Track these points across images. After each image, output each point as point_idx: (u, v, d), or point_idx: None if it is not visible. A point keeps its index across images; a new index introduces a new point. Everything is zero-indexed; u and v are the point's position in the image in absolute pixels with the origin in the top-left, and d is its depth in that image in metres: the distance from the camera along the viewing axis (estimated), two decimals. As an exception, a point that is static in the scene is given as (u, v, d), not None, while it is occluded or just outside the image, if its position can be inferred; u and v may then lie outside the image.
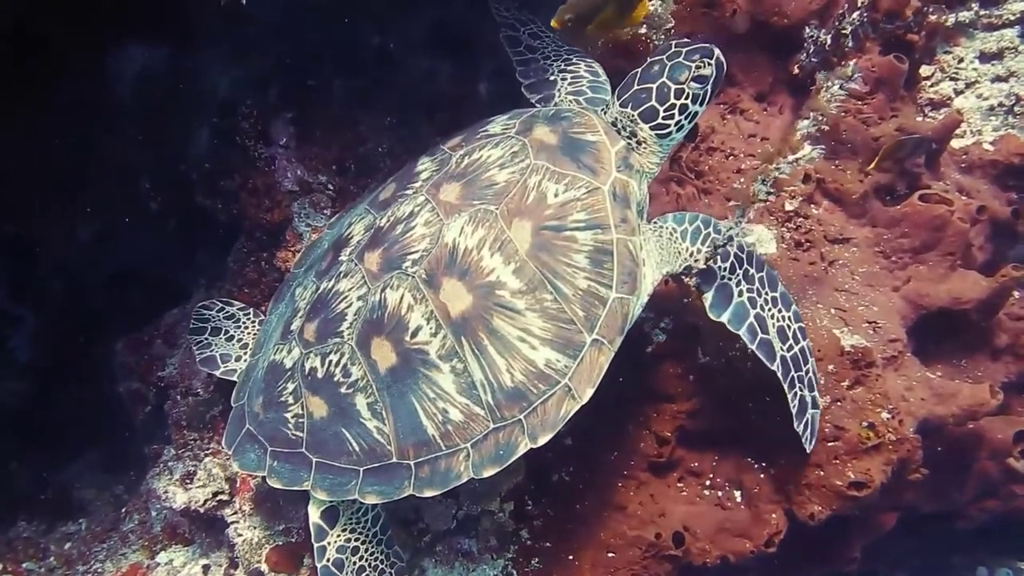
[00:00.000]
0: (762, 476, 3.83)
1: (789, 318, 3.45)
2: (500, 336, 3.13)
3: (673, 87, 3.36)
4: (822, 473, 3.64)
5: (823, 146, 4.01)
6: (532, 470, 3.90)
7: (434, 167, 3.50)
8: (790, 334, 3.43)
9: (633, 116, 3.42)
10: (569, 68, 4.02)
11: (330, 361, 3.37)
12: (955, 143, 4.88)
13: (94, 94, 4.35)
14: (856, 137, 4.26)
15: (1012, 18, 5.32)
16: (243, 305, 4.28)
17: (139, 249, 5.07)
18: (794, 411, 3.44)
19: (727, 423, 3.88)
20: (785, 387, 3.41)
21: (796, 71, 4.22)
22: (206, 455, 4.45)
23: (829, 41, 3.97)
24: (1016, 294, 4.74)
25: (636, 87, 3.43)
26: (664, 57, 3.42)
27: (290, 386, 3.48)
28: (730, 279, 3.36)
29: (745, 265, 3.37)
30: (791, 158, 3.99)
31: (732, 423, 3.87)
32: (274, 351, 3.62)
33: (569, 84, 3.93)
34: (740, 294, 3.37)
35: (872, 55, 4.29)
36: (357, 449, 3.31)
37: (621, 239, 3.20)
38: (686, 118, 3.44)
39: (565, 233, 3.18)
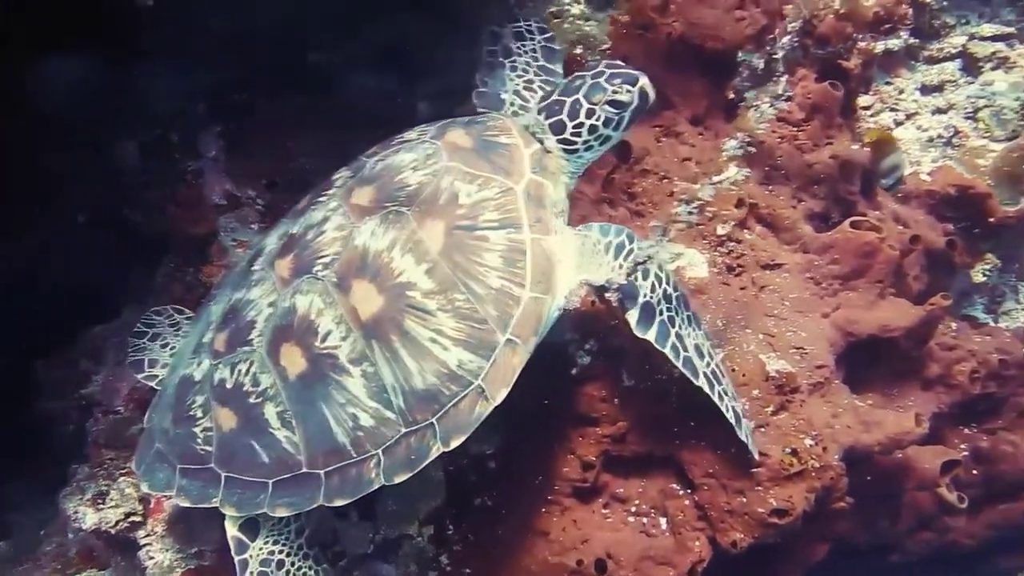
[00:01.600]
0: (686, 503, 3.80)
1: (701, 336, 3.46)
2: (411, 338, 3.10)
3: (585, 106, 3.37)
4: (744, 500, 3.62)
5: (749, 168, 4.04)
6: (453, 493, 3.85)
7: (349, 174, 3.50)
8: (704, 351, 3.44)
9: (544, 125, 3.43)
10: (528, 90, 4.03)
11: (239, 371, 3.32)
12: (893, 173, 4.95)
13: (17, 103, 4.29)
14: (791, 163, 4.32)
15: (953, 51, 5.45)
16: (191, 314, 4.22)
17: (66, 263, 4.99)
18: (733, 421, 3.45)
19: (652, 447, 3.85)
20: (715, 399, 3.42)
21: (731, 96, 4.25)
22: (121, 474, 4.36)
23: (762, 66, 4.01)
24: (954, 325, 4.82)
25: (555, 97, 3.46)
26: (589, 75, 3.44)
27: (199, 399, 3.43)
28: (651, 298, 3.34)
29: (664, 285, 3.36)
30: (715, 179, 4.01)
31: (657, 447, 3.84)
32: (185, 366, 3.57)
33: (519, 106, 3.96)
34: (661, 313, 3.35)
35: (808, 81, 4.35)
36: (267, 461, 3.25)
37: (536, 239, 3.18)
38: (596, 140, 3.44)
39: (478, 232, 3.15)
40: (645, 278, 3.32)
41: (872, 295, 4.11)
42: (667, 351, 3.36)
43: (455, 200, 3.19)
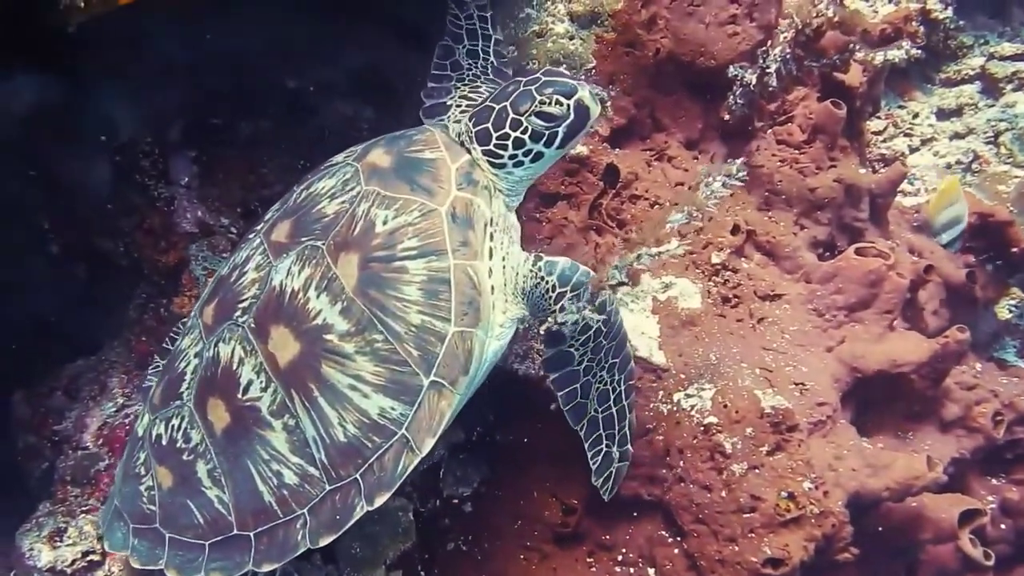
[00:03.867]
0: (675, 551, 3.58)
1: (619, 382, 3.28)
2: (330, 385, 2.87)
3: (511, 115, 3.07)
4: (736, 548, 3.39)
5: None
6: (425, 536, 3.67)
7: (278, 207, 3.31)
8: (612, 397, 3.28)
9: (471, 132, 3.16)
10: (475, 93, 3.77)
11: (172, 426, 3.16)
12: (907, 201, 4.74)
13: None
14: (792, 187, 4.14)
15: (972, 73, 5.24)
16: None
17: (40, 295, 4.88)
18: (594, 467, 3.35)
19: (639, 489, 3.64)
20: (587, 446, 3.32)
21: (727, 117, 4.06)
22: (82, 511, 4.20)
23: (754, 81, 3.81)
24: (978, 366, 4.56)
25: (487, 102, 3.18)
26: (523, 80, 3.14)
27: (142, 456, 3.28)
28: (576, 347, 3.16)
29: (601, 338, 3.17)
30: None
31: (644, 489, 3.63)
32: (138, 419, 3.44)
33: (461, 111, 3.66)
34: (579, 363, 3.19)
35: (809, 101, 4.17)
36: (202, 521, 3.07)
37: (460, 264, 2.92)
38: (525, 155, 3.13)
39: (395, 264, 2.90)
40: (582, 332, 3.14)
41: (880, 327, 3.87)
42: (560, 395, 3.24)
43: (371, 229, 2.94)
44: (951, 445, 4.08)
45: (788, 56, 3.75)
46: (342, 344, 2.86)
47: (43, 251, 4.77)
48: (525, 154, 3.12)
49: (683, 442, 3.55)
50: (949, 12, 5.26)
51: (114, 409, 4.59)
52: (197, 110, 4.49)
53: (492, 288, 3.01)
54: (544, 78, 3.09)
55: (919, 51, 5.01)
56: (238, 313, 3.04)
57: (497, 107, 3.10)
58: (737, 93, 3.95)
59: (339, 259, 2.92)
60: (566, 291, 3.08)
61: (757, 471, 3.44)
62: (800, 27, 3.69)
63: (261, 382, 2.93)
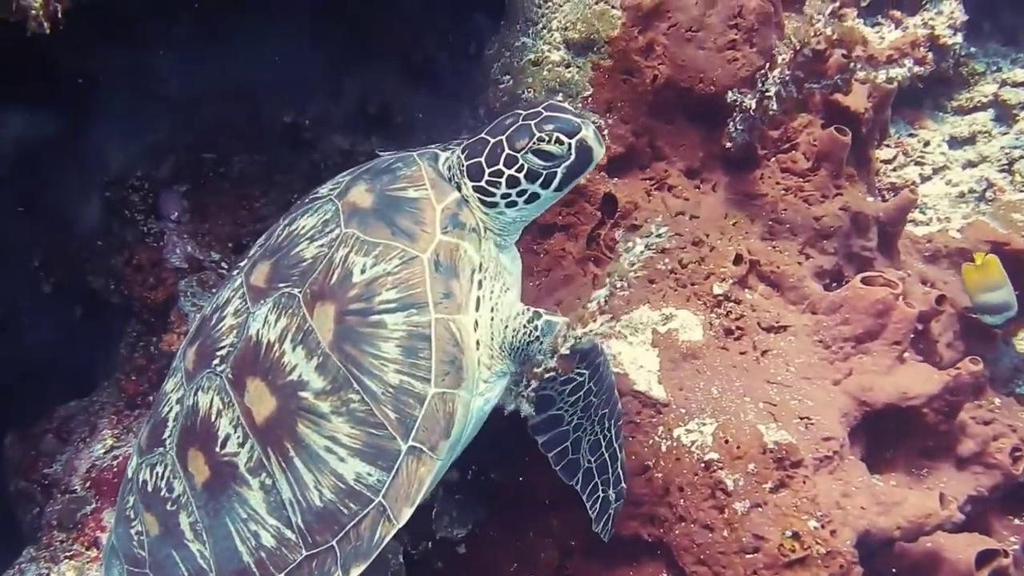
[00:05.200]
0: (677, 594, 3.46)
1: (608, 429, 3.18)
2: (306, 446, 2.75)
3: (506, 151, 2.88)
4: (739, 591, 3.26)
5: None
6: (416, 581, 3.57)
7: (262, 241, 3.22)
8: (604, 443, 3.18)
9: (463, 165, 2.97)
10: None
11: (156, 473, 3.08)
12: (919, 230, 4.65)
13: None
14: (796, 216, 4.07)
15: (985, 100, 5.17)
16: None
17: (33, 334, 4.88)
18: (593, 515, 3.25)
19: (639, 529, 3.54)
20: (584, 497, 3.23)
21: (728, 144, 4.00)
22: (66, 557, 4.18)
23: (754, 106, 3.76)
24: (997, 401, 4.44)
25: (481, 134, 2.99)
26: (523, 113, 2.94)
27: (131, 499, 3.20)
28: (565, 408, 3.06)
29: (591, 396, 3.06)
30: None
31: (644, 530, 3.52)
32: (130, 460, 3.37)
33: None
34: (568, 422, 3.08)
35: (813, 128, 4.12)
36: (186, 574, 2.99)
37: (442, 319, 2.75)
38: (519, 195, 2.93)
39: (372, 318, 2.75)
40: (572, 394, 3.02)
41: (889, 359, 3.77)
42: (551, 455, 3.15)
43: (348, 278, 2.79)
44: (968, 482, 3.95)
45: (787, 78, 3.69)
46: (318, 403, 2.74)
47: (35, 290, 4.78)
48: (519, 194, 2.93)
49: (683, 479, 3.45)
50: (959, 38, 5.21)
51: (103, 451, 4.57)
52: (189, 145, 4.53)
53: (477, 343, 2.85)
54: (545, 112, 2.91)
55: (922, 69, 4.94)
56: (216, 361, 2.95)
57: (492, 140, 2.92)
58: (737, 119, 3.89)
59: (315, 310, 2.80)
60: (569, 357, 2.88)
61: (760, 509, 3.33)
62: (798, 47, 3.63)
63: (238, 437, 2.84)
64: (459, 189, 2.97)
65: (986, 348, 4.48)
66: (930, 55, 5.12)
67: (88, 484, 4.41)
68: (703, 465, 3.44)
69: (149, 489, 3.07)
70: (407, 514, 2.74)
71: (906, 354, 3.85)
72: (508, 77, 4.17)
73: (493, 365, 2.92)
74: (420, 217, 2.87)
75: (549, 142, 2.83)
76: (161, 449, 3.07)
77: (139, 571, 3.12)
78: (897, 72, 4.02)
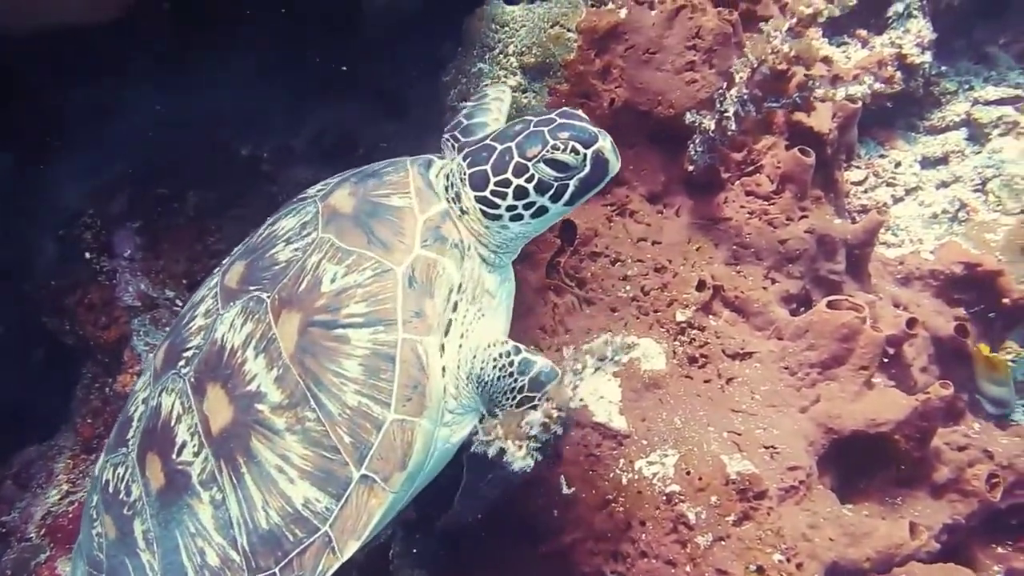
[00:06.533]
0: (640, 633, 3.37)
1: None
2: (258, 463, 2.65)
3: (516, 159, 2.71)
4: (702, 628, 3.18)
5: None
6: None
7: (247, 239, 3.11)
8: None
9: (464, 173, 2.81)
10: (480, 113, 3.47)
11: (118, 475, 2.99)
12: (891, 252, 4.60)
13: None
14: (761, 240, 4.02)
15: (957, 119, 5.15)
16: None
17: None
18: None
19: (603, 567, 3.45)
20: None
21: (690, 167, 3.96)
22: (13, 609, 4.07)
23: (713, 127, 3.72)
24: (976, 425, 4.37)
25: (487, 140, 2.83)
26: (534, 119, 2.78)
27: (96, 498, 3.11)
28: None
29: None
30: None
31: (608, 567, 3.44)
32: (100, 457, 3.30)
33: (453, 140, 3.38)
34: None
35: (777, 150, 4.08)
36: None
37: (409, 340, 2.61)
38: (526, 207, 2.77)
39: (336, 332, 2.63)
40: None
41: (856, 385, 3.71)
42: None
43: (317, 286, 2.68)
44: (944, 511, 3.86)
45: (746, 97, 3.65)
46: (273, 418, 2.64)
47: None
48: (527, 207, 2.77)
49: (645, 513, 3.38)
50: (927, 57, 5.19)
51: (58, 497, 4.50)
52: (143, 180, 4.49)
53: (443, 370, 2.71)
54: (559, 119, 2.75)
55: (882, 86, 4.92)
56: (182, 363, 2.88)
57: (500, 147, 2.76)
58: (697, 141, 3.85)
59: (281, 317, 2.70)
60: (534, 398, 2.72)
61: (723, 543, 3.26)
62: (756, 65, 3.60)
63: (194, 446, 2.75)
64: (459, 199, 2.83)
65: (964, 372, 4.41)
66: (898, 74, 5.10)
67: (43, 532, 4.35)
68: (665, 498, 3.37)
69: (110, 490, 2.99)
70: (353, 548, 2.62)
71: (875, 379, 3.80)
72: (465, 104, 4.14)
73: (460, 396, 2.78)
74: (399, 227, 2.76)
75: (564, 151, 2.68)
76: (124, 449, 2.99)
77: (97, 574, 3.03)
78: (857, 90, 3.96)
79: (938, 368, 4.33)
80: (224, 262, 3.12)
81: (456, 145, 3.25)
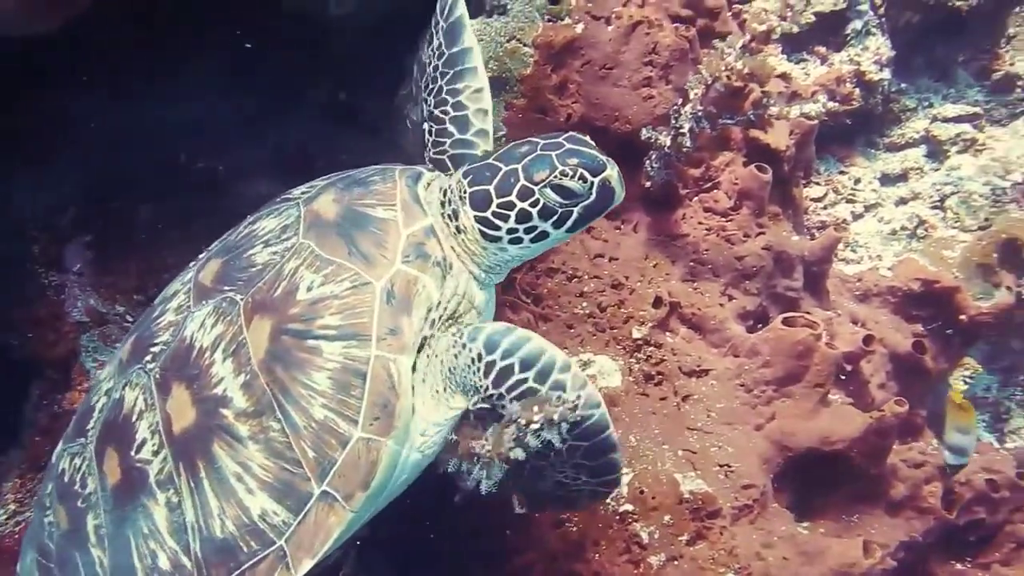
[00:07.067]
0: (594, 655, 3.35)
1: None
2: (218, 469, 2.59)
3: (521, 182, 2.66)
4: (655, 648, 3.17)
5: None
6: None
7: (226, 235, 3.05)
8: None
9: (465, 191, 2.76)
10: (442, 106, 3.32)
11: (75, 465, 2.91)
12: (850, 269, 4.62)
13: None
14: (718, 257, 4.02)
15: (916, 136, 5.18)
16: None
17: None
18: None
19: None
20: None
21: (647, 184, 3.96)
22: (-42, 633, 3.98)
23: (668, 143, 3.72)
24: (935, 442, 4.39)
25: (490, 160, 2.77)
26: (541, 142, 2.73)
27: (50, 486, 3.03)
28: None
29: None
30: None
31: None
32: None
33: (435, 143, 3.32)
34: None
35: (735, 166, 4.09)
36: None
37: (382, 357, 2.54)
38: (527, 231, 2.72)
39: (308, 342, 2.56)
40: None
41: (811, 402, 3.72)
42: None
43: (293, 294, 2.62)
44: (900, 528, 3.89)
45: (700, 114, 3.65)
46: (236, 424, 2.57)
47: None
48: (527, 231, 2.72)
49: (599, 533, 3.36)
50: (885, 74, 5.24)
51: (4, 517, 4.41)
52: (94, 194, 4.41)
53: (413, 389, 2.63)
54: (568, 144, 2.68)
55: (835, 104, 4.96)
56: (148, 357, 2.80)
57: (505, 168, 2.70)
58: (653, 157, 3.85)
59: (252, 322, 2.63)
60: (495, 359, 2.60)
61: (676, 563, 3.26)
62: (710, 82, 3.60)
63: (154, 444, 2.68)
64: (456, 217, 2.78)
65: (921, 387, 4.43)
66: (857, 91, 5.14)
67: (-16, 551, 4.24)
68: (618, 517, 3.37)
69: (65, 480, 2.91)
70: (307, 565, 2.55)
71: (832, 396, 3.81)
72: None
73: (429, 416, 2.70)
74: (382, 240, 2.69)
75: (572, 178, 2.62)
76: (83, 440, 2.91)
77: (46, 563, 2.94)
78: (811, 108, 3.98)
79: (896, 384, 4.34)
80: (200, 256, 3.07)
81: (447, 157, 3.24)
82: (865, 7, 5.25)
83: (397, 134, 4.54)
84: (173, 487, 2.64)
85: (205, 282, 2.83)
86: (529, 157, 2.68)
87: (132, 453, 2.71)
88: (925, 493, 3.95)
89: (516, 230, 2.72)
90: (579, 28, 3.91)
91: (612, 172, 2.66)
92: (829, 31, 5.28)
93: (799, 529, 3.57)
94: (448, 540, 3.52)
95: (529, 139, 2.78)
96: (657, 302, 3.87)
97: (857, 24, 5.22)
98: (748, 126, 3.86)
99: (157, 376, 2.74)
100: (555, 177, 2.62)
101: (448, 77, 3.31)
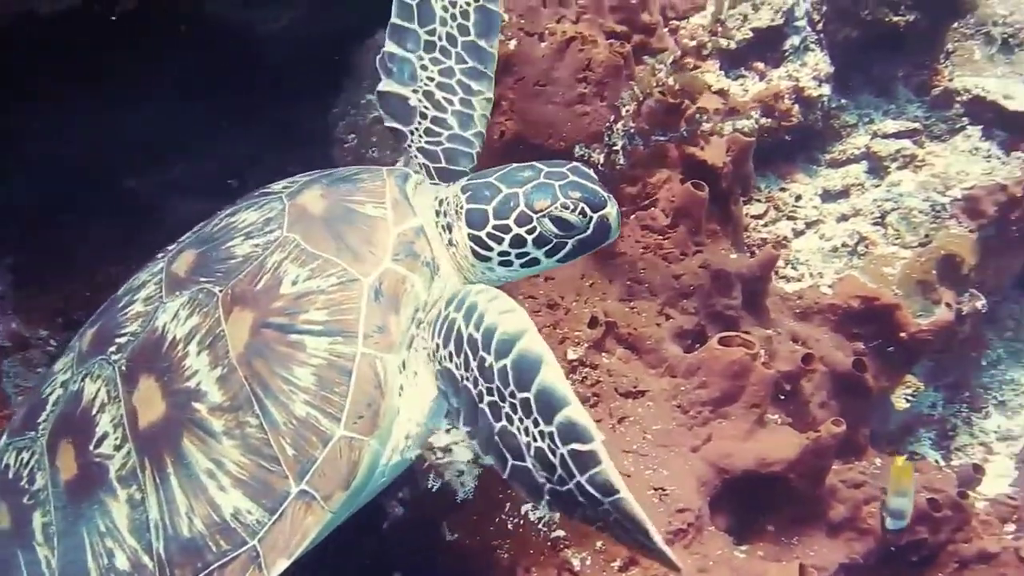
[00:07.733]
0: None
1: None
2: (187, 464, 2.49)
3: (520, 208, 2.63)
4: None
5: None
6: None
7: (199, 227, 2.96)
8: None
9: (462, 207, 2.72)
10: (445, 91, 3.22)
11: (22, 460, 2.78)
12: (790, 287, 4.61)
13: None
14: (655, 276, 3.99)
15: (857, 152, 5.20)
16: None
17: None
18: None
19: (487, 618, 3.36)
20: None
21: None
22: None
23: (602, 160, 3.69)
24: (878, 461, 4.39)
25: (491, 179, 2.73)
26: (544, 170, 2.71)
27: None
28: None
29: (482, 351, 2.51)
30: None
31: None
32: None
33: (423, 134, 3.20)
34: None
35: (672, 184, 4.06)
36: None
37: (369, 355, 2.48)
38: (519, 256, 2.70)
39: (292, 337, 2.50)
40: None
41: (747, 423, 3.69)
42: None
43: (276, 287, 2.55)
44: (840, 550, 3.86)
45: (632, 130, 3.63)
46: (210, 419, 2.48)
47: None
48: (519, 256, 2.70)
49: (530, 560, 3.30)
50: (825, 89, 5.24)
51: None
52: (15, 214, 4.31)
53: (401, 388, 2.58)
54: (571, 176, 2.66)
55: (768, 120, 4.96)
56: (113, 348, 2.69)
57: (505, 190, 2.67)
58: (591, 175, 3.81)
59: (232, 314, 2.55)
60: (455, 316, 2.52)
61: (607, 591, 3.19)
62: (641, 99, 3.57)
63: (116, 438, 2.57)
64: (449, 229, 2.73)
65: (862, 406, 4.41)
66: (796, 107, 5.14)
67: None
68: (550, 544, 3.30)
69: (10, 475, 2.78)
70: (282, 566, 2.44)
71: (770, 416, 3.78)
72: (353, 136, 4.07)
73: (414, 416, 2.63)
74: (371, 237, 2.63)
75: (572, 211, 2.60)
76: (33, 433, 2.78)
77: None
78: (744, 124, 3.95)
79: (837, 404, 4.32)
80: (170, 248, 2.96)
81: (441, 150, 3.19)
82: (803, 23, 5.27)
83: (328, 151, 4.50)
84: (136, 483, 2.54)
85: (179, 272, 2.73)
86: (532, 184, 2.65)
87: (91, 447, 2.61)
88: (865, 514, 3.92)
89: (508, 253, 2.69)
90: (512, 44, 3.88)
91: (612, 210, 2.65)
92: (767, 47, 5.27)
93: (736, 553, 3.53)
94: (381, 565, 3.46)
95: (532, 163, 2.75)
96: (593, 322, 3.82)
97: (795, 40, 5.23)
98: (681, 142, 3.84)
99: (123, 367, 2.64)
100: (556, 208, 2.60)
101: (466, 70, 3.24)
